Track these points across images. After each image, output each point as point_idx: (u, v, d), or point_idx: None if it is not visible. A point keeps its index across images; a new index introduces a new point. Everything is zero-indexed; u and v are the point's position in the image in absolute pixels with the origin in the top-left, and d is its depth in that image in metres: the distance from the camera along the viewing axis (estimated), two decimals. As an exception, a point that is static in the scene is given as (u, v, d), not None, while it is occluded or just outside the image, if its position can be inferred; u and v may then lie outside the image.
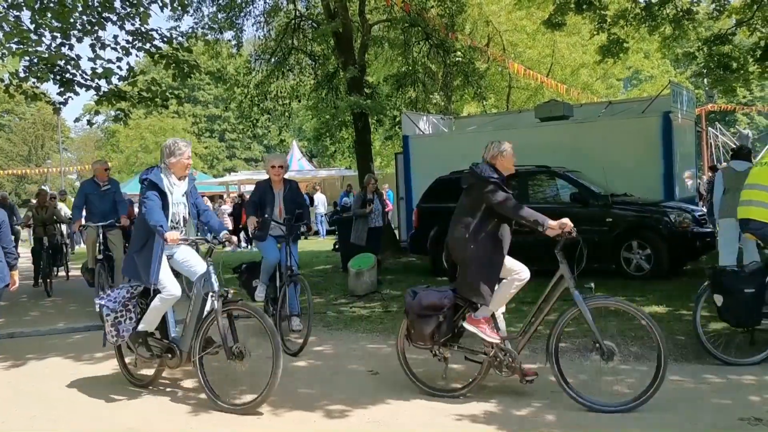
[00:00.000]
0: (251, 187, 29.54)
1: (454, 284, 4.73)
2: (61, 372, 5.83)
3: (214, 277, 4.73)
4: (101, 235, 8.42)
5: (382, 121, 15.79)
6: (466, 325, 4.57)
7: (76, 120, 55.94)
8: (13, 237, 11.73)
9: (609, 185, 9.96)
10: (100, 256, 8.42)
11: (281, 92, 16.26)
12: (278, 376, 4.40)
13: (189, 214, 5.12)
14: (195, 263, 5.02)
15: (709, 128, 25.85)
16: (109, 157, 46.20)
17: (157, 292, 4.87)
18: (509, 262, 4.71)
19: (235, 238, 5.68)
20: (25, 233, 15.73)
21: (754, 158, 7.78)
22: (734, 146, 7.77)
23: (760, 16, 11.34)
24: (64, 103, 10.04)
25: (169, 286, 4.87)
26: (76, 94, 9.76)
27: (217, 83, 10.67)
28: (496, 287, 4.63)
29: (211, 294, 4.70)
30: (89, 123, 15.06)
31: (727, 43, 12.16)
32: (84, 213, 8.81)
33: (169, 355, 4.92)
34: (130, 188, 27.39)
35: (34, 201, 12.80)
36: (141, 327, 4.98)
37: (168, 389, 5.15)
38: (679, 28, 11.80)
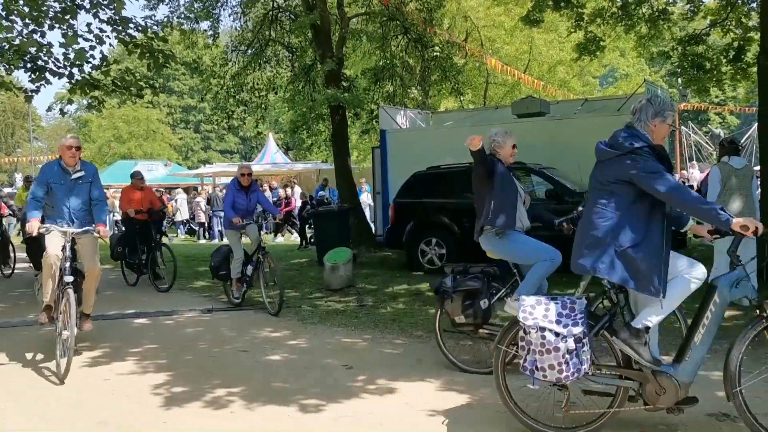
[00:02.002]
0: (226, 180, 29.44)
1: None
2: (30, 363, 5.73)
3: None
4: (67, 247, 5.63)
5: (360, 114, 15.74)
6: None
7: (48, 109, 55.00)
8: None
9: (584, 182, 10.06)
10: (69, 279, 5.49)
11: (258, 84, 16.13)
12: None
13: None
14: None
15: (682, 127, 26.19)
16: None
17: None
18: None
19: None
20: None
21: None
22: (724, 142, 7.69)
23: (734, 17, 11.50)
24: (36, 91, 9.82)
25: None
26: (48, 82, 9.56)
27: (193, 74, 10.53)
28: None
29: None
30: (62, 112, 14.79)
31: (701, 44, 12.31)
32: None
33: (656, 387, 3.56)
34: (103, 179, 27.04)
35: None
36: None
37: (138, 382, 5.08)
38: (655, 27, 11.93)
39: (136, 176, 10.49)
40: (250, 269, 7.94)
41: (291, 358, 5.79)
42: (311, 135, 17.17)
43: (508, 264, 5.19)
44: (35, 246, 9.13)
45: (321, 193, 20.20)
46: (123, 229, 10.84)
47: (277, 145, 32.18)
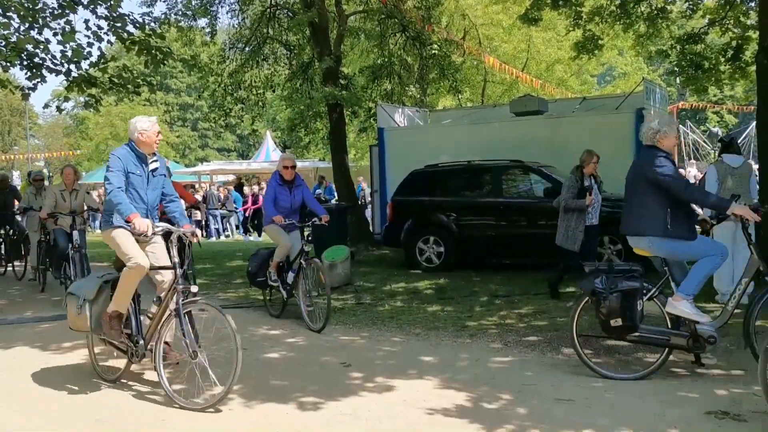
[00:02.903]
0: (223, 178, 29.39)
1: None
2: (29, 362, 5.71)
3: None
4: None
5: (357, 112, 15.72)
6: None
7: (45, 106, 54.83)
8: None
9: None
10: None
11: (255, 81, 16.10)
12: None
13: None
14: None
15: (680, 126, 26.23)
16: (78, 144, 45.41)
17: None
18: None
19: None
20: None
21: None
22: (724, 139, 7.67)
23: (732, 16, 11.50)
24: (33, 89, 9.79)
25: None
26: (45, 80, 9.53)
27: (191, 71, 10.51)
28: None
29: None
30: (59, 109, 14.70)
31: (700, 43, 12.31)
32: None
33: None
34: (98, 177, 26.97)
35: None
36: None
37: (137, 381, 5.07)
38: (653, 26, 11.91)
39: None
40: (291, 276, 6.94)
41: (289, 355, 5.78)
42: (309, 133, 17.15)
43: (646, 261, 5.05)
44: (50, 244, 8.96)
45: (318, 191, 20.20)
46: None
47: (275, 143, 32.14)
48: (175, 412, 4.35)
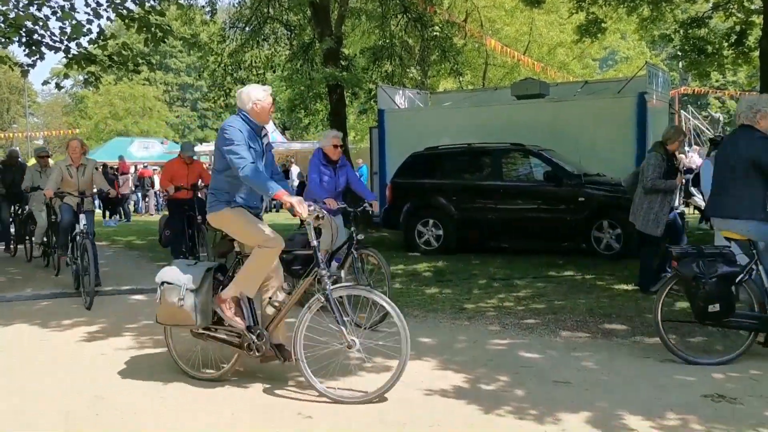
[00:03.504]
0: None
1: None
2: (28, 339, 5.73)
3: None
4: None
5: (358, 94, 15.67)
6: None
7: (44, 83, 54.55)
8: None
9: (582, 165, 10.04)
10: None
11: (256, 62, 16.01)
12: None
13: None
14: None
15: (682, 111, 26.13)
16: (77, 123, 45.27)
17: None
18: None
19: None
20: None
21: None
22: (716, 139, 7.58)
23: (736, 1, 11.43)
24: (32, 66, 9.74)
25: None
26: (43, 57, 9.46)
27: (191, 50, 10.45)
28: None
29: None
30: (58, 86, 14.63)
31: (703, 27, 12.26)
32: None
33: None
34: (99, 156, 26.91)
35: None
36: None
37: (136, 358, 5.09)
38: (657, 9, 11.86)
39: (186, 150, 9.16)
40: (334, 267, 6.07)
41: (289, 335, 5.78)
42: (308, 114, 17.10)
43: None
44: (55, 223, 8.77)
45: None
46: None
47: (275, 124, 32.03)
48: (174, 387, 4.36)
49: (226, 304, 4.32)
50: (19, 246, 10.91)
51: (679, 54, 13.70)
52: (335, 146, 6.40)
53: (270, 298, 4.48)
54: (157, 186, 23.56)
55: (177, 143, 40.41)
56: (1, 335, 5.91)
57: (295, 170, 21.93)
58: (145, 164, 27.82)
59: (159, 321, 4.48)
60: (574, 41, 15.21)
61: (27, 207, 10.19)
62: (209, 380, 4.44)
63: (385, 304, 4.04)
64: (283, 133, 32.24)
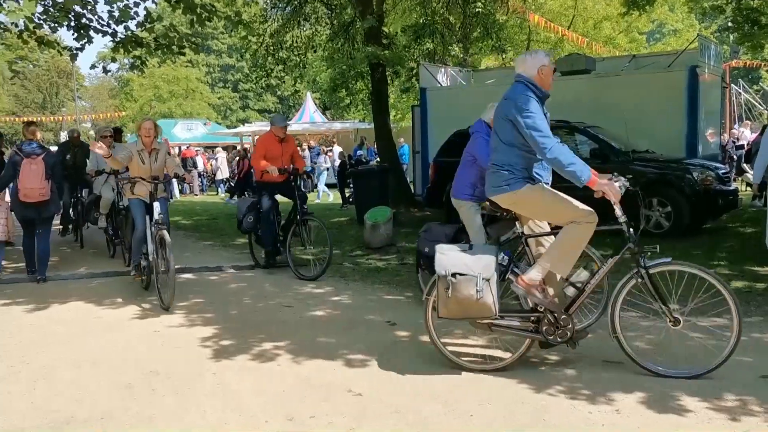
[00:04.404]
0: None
1: None
2: (84, 316, 5.91)
3: None
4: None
5: (399, 72, 15.55)
6: None
7: (92, 67, 55.95)
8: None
9: (630, 141, 9.82)
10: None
11: (297, 42, 16.02)
12: None
13: None
14: None
15: (732, 85, 25.28)
16: (123, 105, 46.13)
17: None
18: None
19: None
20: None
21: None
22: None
23: (793, -32, 10.96)
24: (81, 50, 9.93)
25: None
26: (90, 41, 9.63)
27: (235, 28, 10.51)
28: None
29: None
30: (105, 70, 15.03)
31: (757, -3, 11.80)
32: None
33: None
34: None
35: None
36: None
37: (187, 335, 5.20)
38: (709, -21, 11.45)
39: (277, 122, 7.84)
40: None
41: (334, 313, 5.85)
42: (350, 94, 17.07)
43: None
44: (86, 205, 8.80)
45: (359, 152, 20.16)
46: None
47: (315, 104, 32.14)
48: (224, 365, 4.44)
49: (537, 288, 4.06)
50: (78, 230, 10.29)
51: (731, 25, 13.23)
52: None
53: (567, 278, 4.19)
54: (201, 167, 23.95)
55: (219, 124, 40.95)
56: (58, 311, 6.10)
57: (336, 150, 21.97)
58: (188, 145, 28.28)
59: (444, 315, 4.05)
60: (621, 14, 14.81)
61: (91, 191, 9.36)
62: (493, 370, 4.17)
63: (713, 281, 3.82)
64: (323, 113, 32.35)
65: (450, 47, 15.77)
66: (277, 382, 4.13)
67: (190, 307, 6.12)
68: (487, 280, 3.91)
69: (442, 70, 13.91)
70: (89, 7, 9.11)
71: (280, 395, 3.89)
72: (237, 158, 19.61)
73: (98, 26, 9.40)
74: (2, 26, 9.24)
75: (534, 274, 4.06)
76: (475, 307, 3.94)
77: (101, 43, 37.83)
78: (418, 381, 4.06)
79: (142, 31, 9.76)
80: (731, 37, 17.90)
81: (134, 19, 9.33)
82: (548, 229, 4.34)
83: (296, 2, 15.17)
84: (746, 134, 16.27)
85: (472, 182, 5.43)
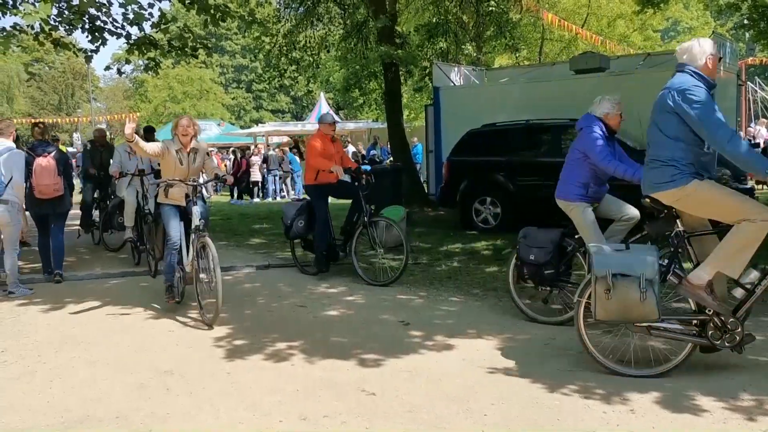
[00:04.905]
0: (278, 139, 29.70)
1: None
2: (100, 315, 5.95)
3: None
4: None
5: (412, 72, 15.56)
6: None
7: (107, 68, 56.32)
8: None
9: (645, 139, 9.75)
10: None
11: (310, 42, 16.06)
12: None
13: None
14: None
15: (748, 83, 25.01)
16: (137, 107, 46.46)
17: None
18: None
19: None
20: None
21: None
22: None
23: (811, -37, 10.81)
24: (96, 51, 10.01)
25: None
26: (105, 43, 9.70)
27: (248, 28, 10.57)
28: None
29: None
30: (119, 72, 15.09)
31: (774, -7, 11.64)
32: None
33: None
34: (159, 138, 27.55)
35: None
36: None
37: (201, 335, 5.22)
38: (724, -24, 11.33)
39: (327, 120, 7.42)
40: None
41: (348, 313, 5.85)
42: (363, 93, 17.10)
43: None
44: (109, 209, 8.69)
45: (372, 152, 20.19)
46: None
47: (329, 104, 32.20)
48: (238, 364, 4.46)
49: (705, 289, 3.84)
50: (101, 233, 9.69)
51: (746, 23, 13.07)
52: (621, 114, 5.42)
53: (736, 279, 3.92)
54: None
55: (233, 125, 41.12)
56: (74, 310, 6.15)
57: (350, 149, 21.98)
58: (203, 146, 28.34)
59: (602, 318, 3.94)
60: (635, 12, 14.68)
61: (115, 192, 9.10)
62: (650, 377, 3.97)
63: None
64: (337, 113, 32.40)
65: (463, 46, 15.75)
66: (290, 381, 4.14)
67: (204, 308, 6.13)
68: (650, 281, 3.78)
69: (456, 69, 13.88)
70: (104, 10, 9.18)
71: (294, 395, 3.90)
72: (233, 158, 19.86)
73: (112, 28, 9.47)
74: (18, 28, 9.33)
75: (702, 275, 3.85)
76: (638, 309, 3.80)
77: (116, 45, 38.13)
78: (432, 381, 4.06)
79: (156, 32, 9.81)
80: (747, 34, 17.71)
81: (148, 20, 9.38)
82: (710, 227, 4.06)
83: (309, 2, 15.22)
84: (762, 132, 16.12)
85: (584, 182, 5.14)
